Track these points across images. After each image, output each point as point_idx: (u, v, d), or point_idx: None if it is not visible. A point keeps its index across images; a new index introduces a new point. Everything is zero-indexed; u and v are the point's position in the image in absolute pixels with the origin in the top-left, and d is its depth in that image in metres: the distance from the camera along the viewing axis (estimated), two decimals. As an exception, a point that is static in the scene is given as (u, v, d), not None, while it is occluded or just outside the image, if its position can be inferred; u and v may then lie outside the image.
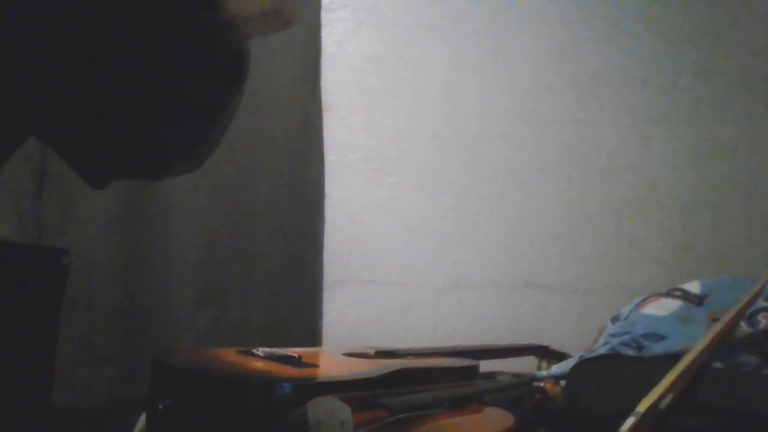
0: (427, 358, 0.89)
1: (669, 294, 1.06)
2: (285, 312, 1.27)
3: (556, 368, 1.01)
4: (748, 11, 1.46)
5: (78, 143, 0.63)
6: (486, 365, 0.97)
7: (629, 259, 1.40)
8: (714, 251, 1.40)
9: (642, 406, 0.74)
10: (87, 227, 1.15)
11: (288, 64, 1.29)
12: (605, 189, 1.42)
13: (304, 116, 1.31)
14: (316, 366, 0.74)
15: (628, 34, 1.44)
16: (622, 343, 0.96)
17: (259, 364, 0.71)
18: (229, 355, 0.74)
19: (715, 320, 0.91)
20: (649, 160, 1.43)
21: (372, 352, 0.89)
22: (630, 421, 0.72)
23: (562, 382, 0.96)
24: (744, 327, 0.91)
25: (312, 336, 1.29)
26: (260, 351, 0.75)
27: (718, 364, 0.88)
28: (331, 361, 0.83)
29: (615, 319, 1.08)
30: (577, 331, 1.27)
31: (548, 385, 0.96)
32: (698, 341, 0.86)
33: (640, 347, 0.95)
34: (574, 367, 0.94)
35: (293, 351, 0.75)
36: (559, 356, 1.13)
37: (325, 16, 1.36)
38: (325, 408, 0.57)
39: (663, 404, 0.77)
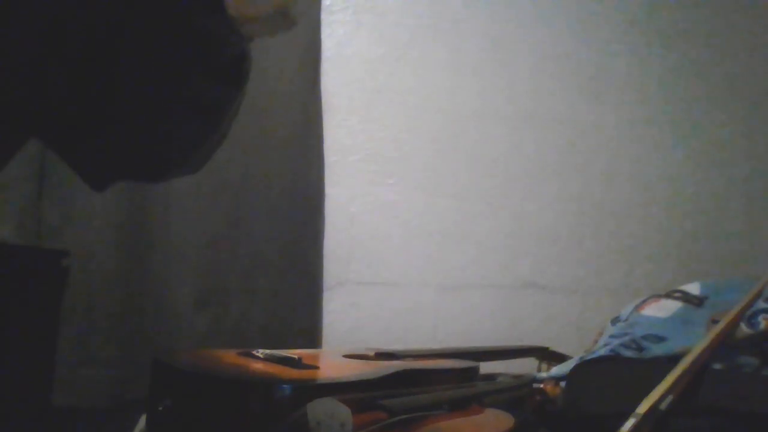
0: (427, 360, 0.89)
1: (669, 295, 1.06)
2: (285, 313, 1.27)
3: (557, 370, 1.01)
4: (748, 11, 1.46)
5: (79, 144, 0.63)
6: (486, 366, 0.97)
7: (629, 260, 1.40)
8: (714, 252, 1.40)
9: (642, 408, 0.74)
10: (87, 228, 1.15)
11: (288, 65, 1.29)
12: (605, 189, 1.42)
13: (304, 117, 1.31)
14: (316, 367, 0.74)
15: (628, 35, 1.44)
16: (622, 345, 0.96)
17: (259, 366, 0.71)
18: (229, 356, 0.74)
19: (715, 322, 0.91)
20: (649, 161, 1.43)
21: (372, 353, 0.89)
22: (630, 423, 0.72)
23: (563, 384, 0.96)
24: (744, 328, 0.92)
25: (312, 337, 1.29)
26: (260, 352, 0.75)
27: (718, 366, 0.88)
28: (331, 362, 0.83)
29: (615, 321, 1.08)
30: (577, 332, 1.27)
31: (548, 387, 0.96)
32: (698, 342, 0.86)
33: (640, 348, 0.95)
34: (574, 369, 0.94)
35: (293, 352, 0.75)
36: (560, 358, 1.13)
37: (326, 18, 1.36)
38: (325, 409, 0.57)
39: (663, 405, 0.77)
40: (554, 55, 1.42)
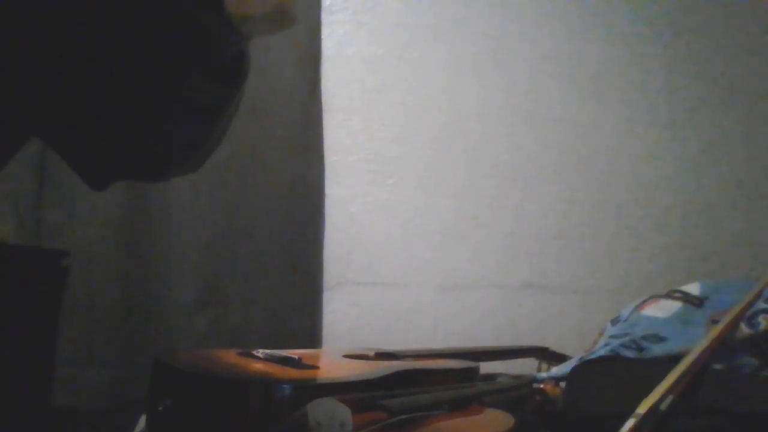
0: (427, 360, 0.89)
1: (669, 295, 1.06)
2: (285, 313, 1.27)
3: (557, 370, 1.01)
4: (748, 11, 1.46)
5: (79, 144, 0.63)
6: (486, 367, 0.97)
7: (629, 260, 1.40)
8: (714, 252, 1.40)
9: (642, 408, 0.74)
10: (87, 228, 1.15)
11: (288, 65, 1.29)
12: (605, 189, 1.42)
13: (304, 117, 1.31)
14: (316, 367, 0.74)
15: (627, 35, 1.44)
16: (623, 345, 0.96)
17: (259, 366, 0.71)
18: (229, 356, 0.74)
19: (715, 322, 0.91)
20: (648, 161, 1.43)
21: (372, 353, 0.89)
22: (630, 423, 0.72)
23: (563, 384, 0.96)
24: (744, 328, 0.92)
25: (312, 337, 1.29)
26: (260, 352, 0.75)
27: (718, 366, 0.88)
28: (331, 362, 0.83)
29: (615, 321, 1.08)
30: (577, 332, 1.27)
31: (548, 387, 0.96)
32: (698, 343, 0.86)
33: (640, 349, 0.95)
34: (575, 369, 0.94)
35: (293, 352, 0.75)
36: (560, 358, 1.13)
37: (326, 18, 1.36)
38: (325, 409, 0.57)
39: (663, 406, 0.77)
40: (554, 55, 1.42)
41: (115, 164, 0.65)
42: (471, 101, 1.40)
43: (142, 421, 0.69)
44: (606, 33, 1.44)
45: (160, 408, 0.65)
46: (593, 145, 1.42)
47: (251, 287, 1.25)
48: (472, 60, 1.41)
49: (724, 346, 0.88)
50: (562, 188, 1.41)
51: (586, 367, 0.94)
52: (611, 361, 0.94)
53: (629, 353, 0.94)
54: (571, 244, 1.40)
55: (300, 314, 1.28)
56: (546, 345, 1.17)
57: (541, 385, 0.97)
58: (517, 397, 0.94)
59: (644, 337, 0.96)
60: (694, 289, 1.06)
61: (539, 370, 1.12)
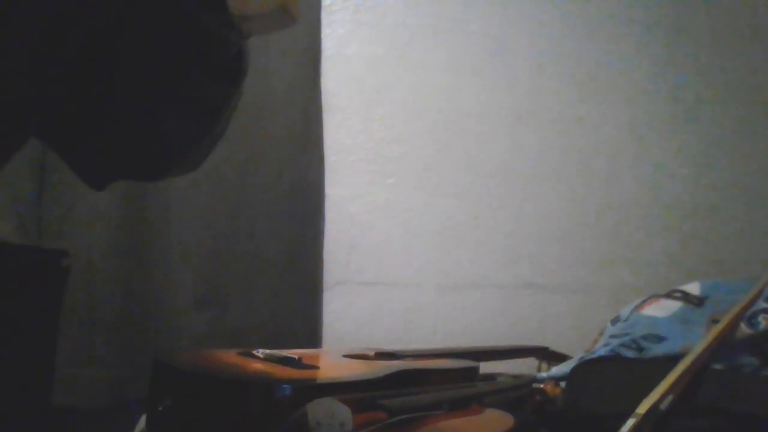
0: (427, 360, 0.89)
1: (669, 295, 1.06)
2: (285, 313, 1.27)
3: (557, 370, 1.01)
4: (748, 11, 1.46)
5: (78, 143, 0.63)
6: (486, 366, 0.97)
7: (629, 260, 1.40)
8: (714, 252, 1.40)
9: (642, 408, 0.74)
10: (87, 228, 1.15)
11: (288, 64, 1.29)
12: (605, 189, 1.42)
13: (304, 117, 1.31)
14: (316, 367, 0.74)
15: (627, 35, 1.44)
16: (622, 345, 0.96)
17: (259, 366, 0.71)
18: (230, 356, 0.74)
19: (715, 322, 0.92)
20: (649, 161, 1.43)
21: (372, 353, 0.89)
22: (630, 423, 0.72)
23: (563, 384, 0.96)
24: (744, 328, 0.92)
25: (312, 337, 1.29)
26: (260, 352, 0.75)
27: (718, 366, 0.88)
28: (331, 362, 0.83)
29: (615, 321, 1.08)
30: (577, 332, 1.27)
31: (548, 387, 0.96)
32: (698, 342, 0.86)
33: (640, 348, 0.95)
34: (575, 369, 0.94)
35: (293, 352, 0.75)
36: (560, 357, 1.13)
37: (326, 17, 1.35)
38: (325, 409, 0.57)
39: (663, 405, 0.77)
40: (554, 55, 1.42)
41: (114, 164, 0.65)
42: (471, 101, 1.40)
43: (142, 421, 0.69)
44: (606, 33, 1.44)
45: (160, 408, 0.65)
46: (593, 145, 1.42)
47: (251, 287, 1.25)
48: (472, 60, 1.41)
49: (724, 346, 0.88)
50: (562, 188, 1.41)
51: (586, 366, 0.94)
52: (611, 360, 0.94)
53: (629, 353, 0.94)
54: (571, 244, 1.40)
55: (300, 314, 1.28)
56: (546, 345, 1.17)
57: (541, 385, 0.97)
58: (517, 397, 0.94)
59: (644, 337, 0.96)
60: (694, 288, 1.06)
61: (539, 370, 1.12)
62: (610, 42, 1.43)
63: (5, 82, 0.54)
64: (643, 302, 1.07)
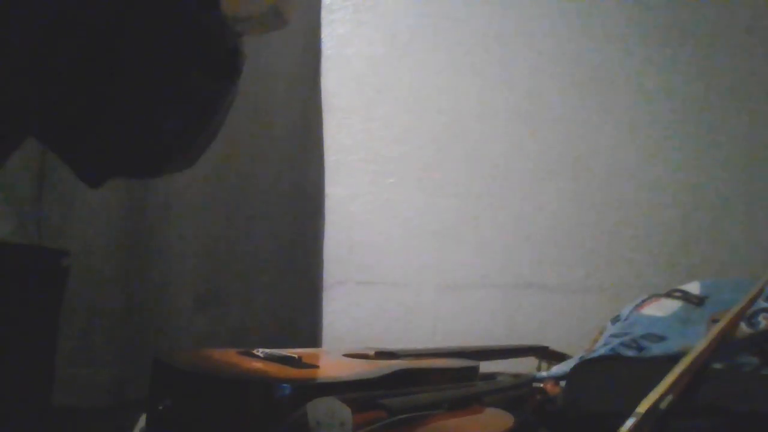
0: (427, 359, 0.89)
1: (669, 295, 1.07)
2: (285, 312, 1.27)
3: (557, 369, 1.01)
4: (748, 11, 1.45)
5: (74, 140, 0.63)
6: (486, 366, 0.97)
7: (629, 260, 1.40)
8: (714, 252, 1.40)
9: (642, 407, 0.74)
10: (87, 228, 1.15)
11: (288, 64, 1.29)
12: (605, 189, 1.42)
13: (304, 116, 1.31)
14: (316, 367, 0.74)
15: (627, 35, 1.44)
16: (622, 344, 0.96)
17: (259, 365, 0.71)
18: (230, 355, 0.74)
19: (715, 321, 0.92)
20: (648, 161, 1.43)
21: (372, 352, 0.89)
22: (630, 422, 0.72)
23: (563, 383, 0.96)
24: (744, 328, 0.92)
25: (312, 336, 1.29)
26: (260, 352, 0.75)
27: (718, 365, 0.88)
28: (331, 361, 0.83)
29: (615, 320, 1.08)
30: (577, 331, 1.27)
31: (548, 386, 0.96)
32: (698, 342, 0.86)
33: (640, 348, 0.95)
34: (574, 368, 0.94)
35: (293, 352, 0.75)
36: (559, 357, 1.13)
37: (326, 17, 1.35)
38: (325, 409, 0.57)
39: (663, 405, 0.77)
40: (554, 55, 1.42)
41: (110, 161, 0.65)
42: (471, 101, 1.40)
43: (142, 420, 0.69)
44: (606, 33, 1.44)
45: (160, 408, 0.65)
46: (593, 145, 1.42)
47: (251, 287, 1.25)
48: (472, 60, 1.41)
49: (724, 345, 0.88)
50: (561, 188, 1.41)
51: (586, 366, 0.94)
52: (611, 360, 0.94)
53: (629, 352, 0.95)
54: (571, 244, 1.40)
55: (300, 313, 1.28)
56: (546, 344, 1.17)
57: (541, 385, 0.97)
58: (517, 396, 0.93)
59: (644, 337, 0.96)
60: (694, 288, 1.06)
61: (539, 369, 1.12)
62: (610, 42, 1.43)
63: (5, 82, 0.54)
64: (643, 302, 1.07)
